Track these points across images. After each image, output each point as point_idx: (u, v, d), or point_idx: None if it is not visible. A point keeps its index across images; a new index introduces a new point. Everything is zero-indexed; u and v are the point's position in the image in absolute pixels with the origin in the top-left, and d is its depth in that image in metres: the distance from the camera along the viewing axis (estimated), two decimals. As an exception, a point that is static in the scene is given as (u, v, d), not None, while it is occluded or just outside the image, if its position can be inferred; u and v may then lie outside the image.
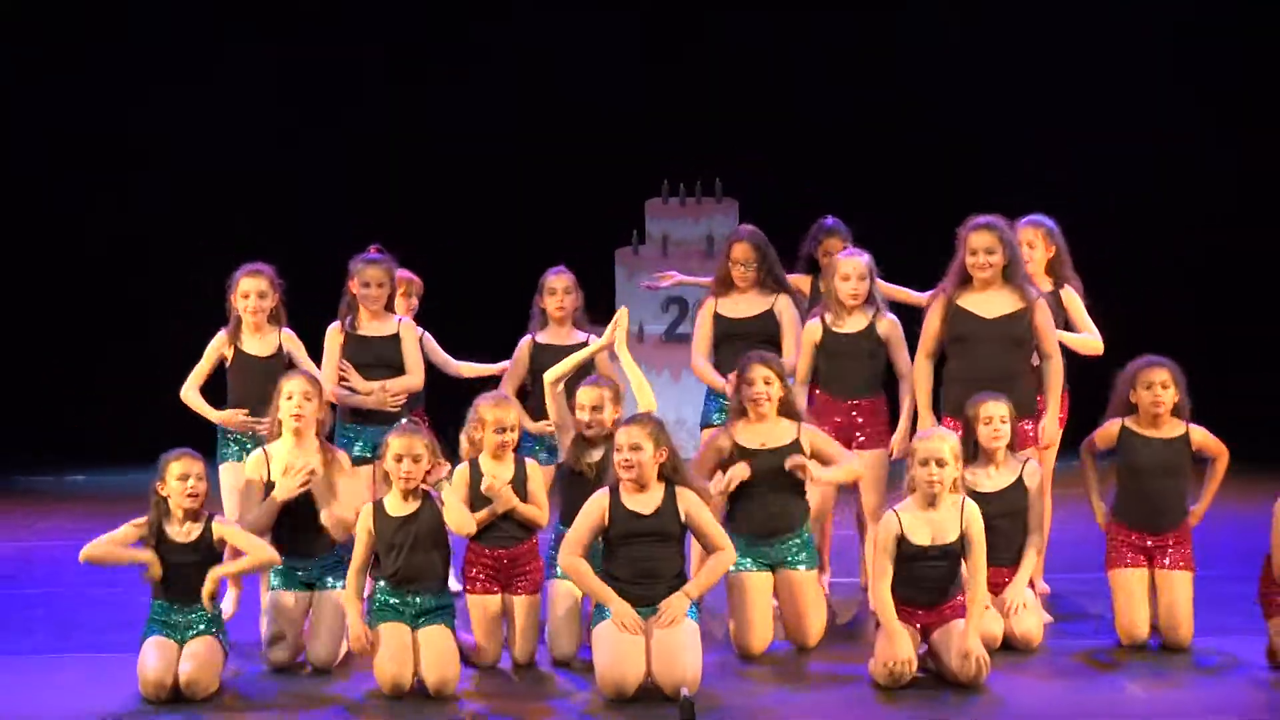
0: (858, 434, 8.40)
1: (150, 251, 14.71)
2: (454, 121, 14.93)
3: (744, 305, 8.67)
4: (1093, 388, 8.45)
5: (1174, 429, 7.85)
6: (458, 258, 14.04)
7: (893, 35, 14.89)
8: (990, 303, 8.11)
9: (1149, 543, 7.80)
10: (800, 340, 8.55)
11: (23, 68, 14.72)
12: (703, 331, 8.72)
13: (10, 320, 14.80)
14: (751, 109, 14.87)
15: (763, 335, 8.59)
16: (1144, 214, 14.46)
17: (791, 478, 7.76)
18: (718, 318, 8.68)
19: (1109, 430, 7.92)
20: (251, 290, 8.30)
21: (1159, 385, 7.73)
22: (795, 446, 7.76)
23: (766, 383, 7.77)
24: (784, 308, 8.66)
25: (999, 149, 14.46)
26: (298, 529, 7.65)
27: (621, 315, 8.18)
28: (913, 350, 8.40)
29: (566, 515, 7.75)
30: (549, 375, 7.97)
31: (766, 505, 7.76)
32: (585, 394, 7.83)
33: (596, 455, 7.76)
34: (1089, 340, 8.68)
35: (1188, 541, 7.84)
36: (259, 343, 8.33)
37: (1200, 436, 7.87)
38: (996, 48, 14.53)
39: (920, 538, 7.21)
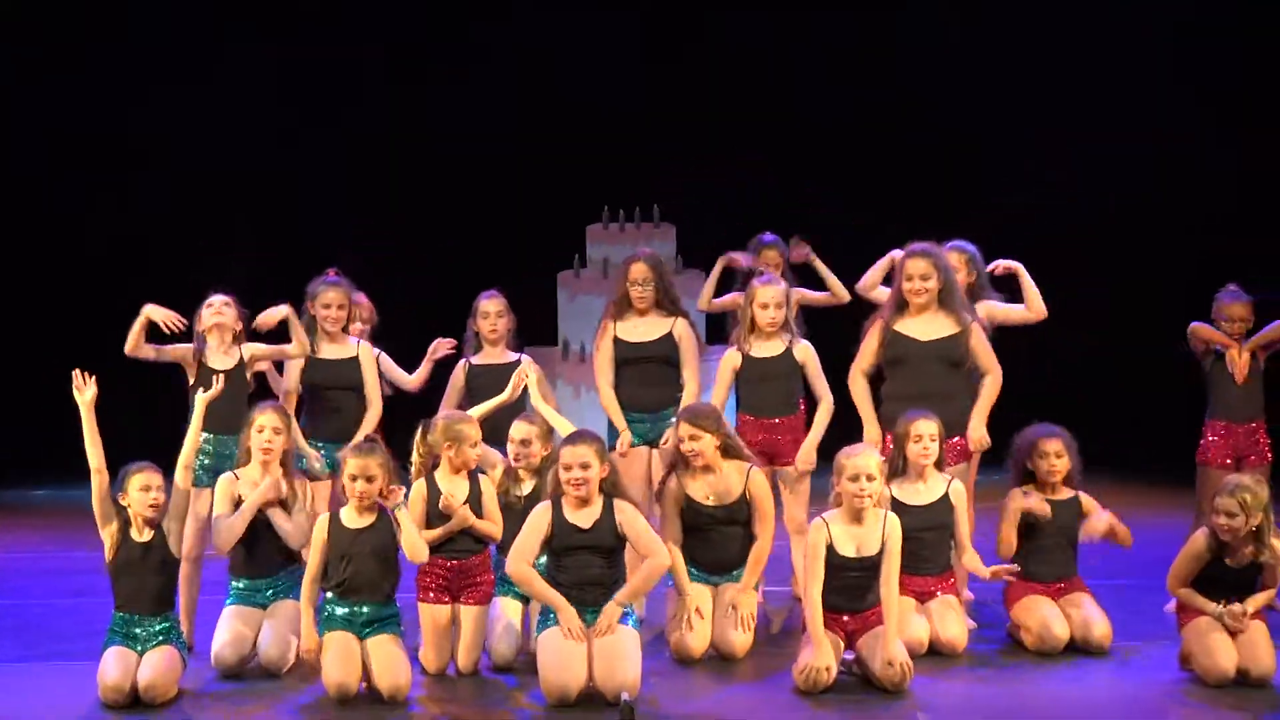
0: (780, 451, 8.56)
1: (150, 251, 14.68)
2: (454, 121, 14.94)
3: (642, 329, 8.78)
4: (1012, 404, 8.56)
5: (1067, 494, 8.20)
6: (457, 257, 14.06)
7: (893, 35, 14.91)
8: (926, 326, 8.32)
9: (1046, 590, 8.13)
10: (697, 363, 8.78)
11: (23, 68, 14.73)
12: (604, 356, 8.82)
13: (8, 324, 14.78)
14: (751, 109, 14.89)
15: (661, 358, 8.73)
16: (1144, 214, 14.46)
17: (741, 523, 7.97)
18: (617, 341, 8.80)
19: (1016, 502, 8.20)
20: (218, 301, 8.41)
21: (1053, 454, 8.09)
22: (742, 500, 7.97)
23: (693, 439, 7.92)
24: (682, 332, 8.78)
25: (999, 149, 14.47)
26: (254, 549, 7.82)
27: (528, 366, 8.39)
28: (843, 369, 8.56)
29: (502, 544, 7.90)
30: None
31: (715, 549, 8.01)
32: (515, 429, 8.01)
33: (526, 489, 7.94)
34: (1029, 307, 8.79)
35: (1083, 584, 8.17)
36: (221, 358, 8.41)
37: (1088, 503, 8.21)
38: (996, 48, 14.53)
39: (846, 549, 7.41)
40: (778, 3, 14.89)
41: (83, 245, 14.83)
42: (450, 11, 15.06)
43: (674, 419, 8.22)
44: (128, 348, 8.21)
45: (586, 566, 7.26)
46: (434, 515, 7.75)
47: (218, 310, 8.38)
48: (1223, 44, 14.28)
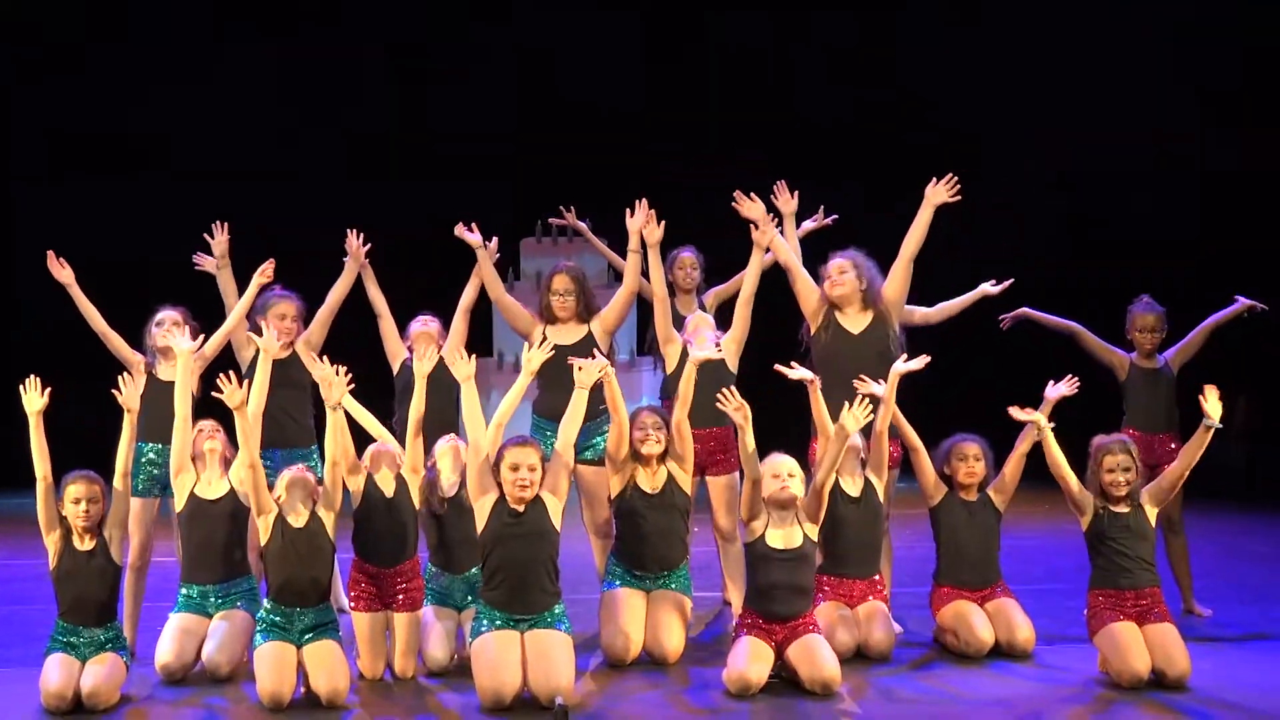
0: (713, 460, 8.69)
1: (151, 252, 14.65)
2: (454, 121, 14.95)
3: (564, 334, 8.86)
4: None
5: (980, 497, 8.34)
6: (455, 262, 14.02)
7: (893, 35, 14.88)
8: (854, 321, 8.65)
9: (971, 596, 8.24)
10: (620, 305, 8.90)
11: (23, 67, 14.74)
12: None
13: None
14: (752, 109, 14.88)
15: (586, 356, 8.79)
16: (1143, 214, 14.43)
17: (675, 523, 8.16)
18: (544, 340, 8.86)
19: (936, 490, 8.35)
20: (166, 319, 8.47)
21: (972, 457, 8.29)
22: (670, 483, 8.16)
23: (656, 428, 8.17)
24: (597, 319, 8.90)
25: (999, 149, 14.44)
26: (211, 552, 7.91)
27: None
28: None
29: (436, 553, 8.08)
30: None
31: (652, 545, 8.17)
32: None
33: (450, 492, 8.01)
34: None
35: (1007, 589, 8.25)
36: (170, 370, 8.43)
37: (999, 500, 8.30)
38: (997, 48, 14.50)
39: (776, 542, 7.62)
40: (778, 3, 14.86)
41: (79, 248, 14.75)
42: (450, 11, 15.06)
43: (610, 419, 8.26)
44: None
45: (522, 559, 7.36)
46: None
47: (168, 331, 8.41)
48: (1223, 44, 14.23)
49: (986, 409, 9.12)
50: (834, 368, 8.34)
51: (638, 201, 8.69)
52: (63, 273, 8.57)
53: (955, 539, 8.24)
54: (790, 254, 8.87)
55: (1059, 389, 7.93)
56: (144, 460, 8.31)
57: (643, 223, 8.70)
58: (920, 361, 8.15)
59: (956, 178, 8.67)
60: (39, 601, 7.63)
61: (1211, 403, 7.59)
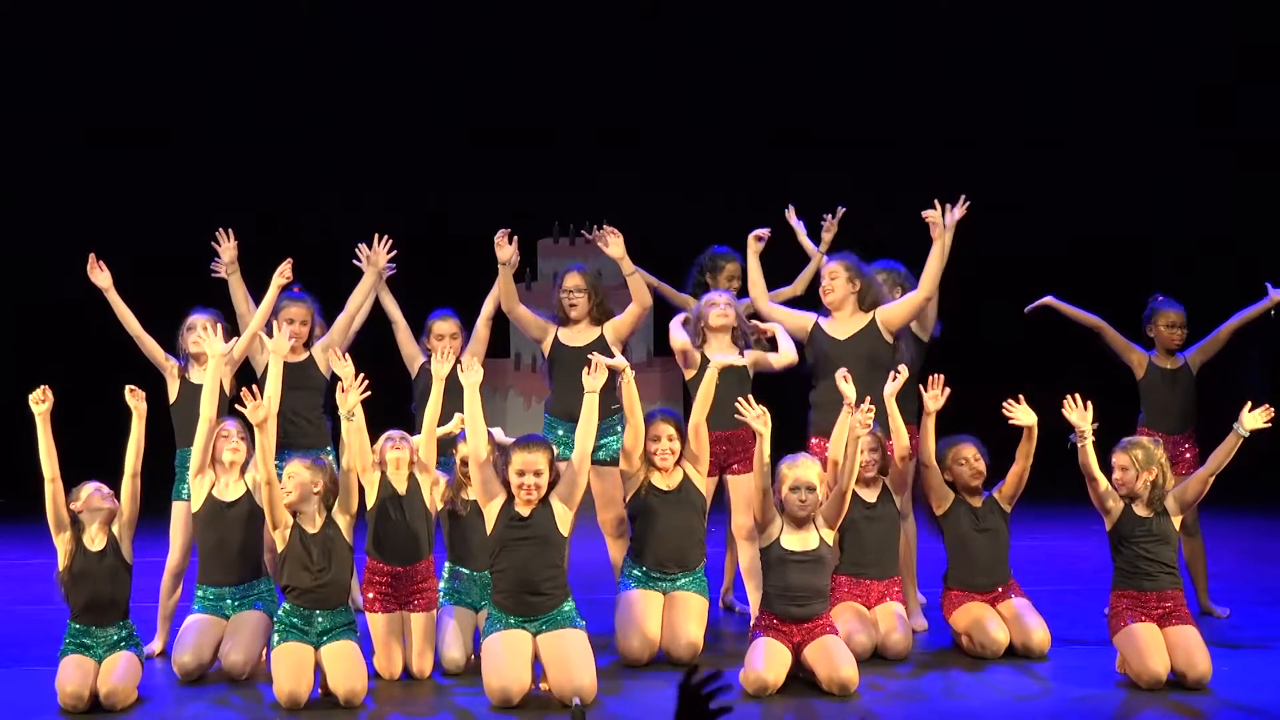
0: (731, 462, 8.65)
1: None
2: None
3: (578, 336, 8.87)
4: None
5: (984, 499, 8.34)
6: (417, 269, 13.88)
7: (893, 35, 14.85)
8: (842, 326, 8.63)
9: (983, 598, 8.25)
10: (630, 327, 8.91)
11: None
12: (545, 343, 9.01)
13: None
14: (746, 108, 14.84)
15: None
16: (1143, 214, 14.45)
17: (692, 521, 8.18)
18: (556, 341, 8.87)
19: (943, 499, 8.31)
20: (197, 324, 8.41)
21: (972, 458, 8.26)
22: (686, 482, 8.18)
23: (670, 439, 8.17)
24: (610, 324, 8.89)
25: (999, 149, 14.45)
26: (228, 554, 7.94)
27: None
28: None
29: (453, 551, 8.11)
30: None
31: (668, 543, 8.19)
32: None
33: (473, 494, 7.95)
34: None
35: (1018, 589, 8.26)
36: (203, 374, 8.30)
37: (1005, 503, 8.28)
38: (997, 47, 14.50)
39: (791, 544, 7.64)
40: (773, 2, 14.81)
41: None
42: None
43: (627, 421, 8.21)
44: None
45: (526, 560, 7.36)
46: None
47: (199, 335, 8.32)
48: (1223, 44, 14.25)
49: (978, 410, 9.09)
50: (824, 374, 8.32)
51: (599, 229, 8.69)
52: (101, 276, 8.52)
53: (964, 546, 8.23)
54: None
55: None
56: (182, 466, 8.30)
57: (622, 248, 8.66)
58: (902, 376, 8.14)
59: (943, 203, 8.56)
60: (55, 601, 7.64)
61: (1252, 415, 7.56)
